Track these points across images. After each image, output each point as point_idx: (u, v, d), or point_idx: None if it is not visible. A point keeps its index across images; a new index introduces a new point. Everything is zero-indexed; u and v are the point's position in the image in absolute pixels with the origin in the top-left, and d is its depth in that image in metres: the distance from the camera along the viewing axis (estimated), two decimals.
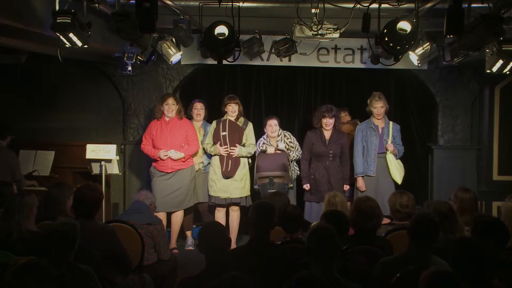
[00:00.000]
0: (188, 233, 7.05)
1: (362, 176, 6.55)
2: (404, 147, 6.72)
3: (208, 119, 7.03)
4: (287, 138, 6.79)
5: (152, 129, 6.62)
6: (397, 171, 6.53)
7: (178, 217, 6.66)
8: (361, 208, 4.17)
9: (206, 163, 6.86)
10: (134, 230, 4.61)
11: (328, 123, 6.54)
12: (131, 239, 4.53)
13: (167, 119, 6.59)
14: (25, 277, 2.78)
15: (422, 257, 3.43)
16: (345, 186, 6.64)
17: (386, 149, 6.53)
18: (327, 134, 6.60)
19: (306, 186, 6.60)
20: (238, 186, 6.62)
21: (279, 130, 6.78)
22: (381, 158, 6.53)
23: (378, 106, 6.56)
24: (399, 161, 6.62)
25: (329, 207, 4.61)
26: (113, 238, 4.17)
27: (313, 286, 2.75)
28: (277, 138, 6.78)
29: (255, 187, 6.75)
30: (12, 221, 3.93)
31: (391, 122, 6.69)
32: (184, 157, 6.54)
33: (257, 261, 3.48)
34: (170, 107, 6.55)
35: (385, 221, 4.80)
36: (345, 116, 7.28)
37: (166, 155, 6.46)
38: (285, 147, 6.70)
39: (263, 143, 6.79)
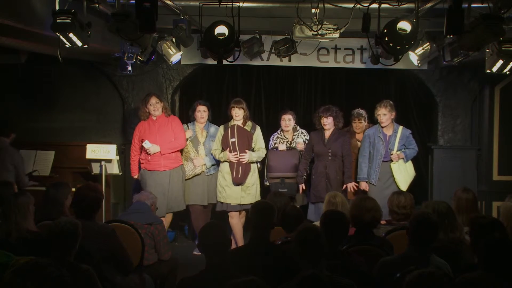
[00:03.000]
0: None
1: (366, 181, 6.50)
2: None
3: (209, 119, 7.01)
4: (304, 136, 6.86)
5: (141, 130, 6.56)
6: (401, 176, 6.41)
7: (167, 221, 6.54)
8: (358, 204, 4.22)
9: (209, 165, 6.78)
10: (134, 230, 4.62)
11: (325, 123, 6.52)
12: (131, 239, 4.53)
13: (154, 118, 6.55)
14: (25, 277, 2.78)
15: (422, 257, 3.43)
16: (347, 185, 6.46)
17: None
18: (327, 133, 6.59)
19: (302, 186, 6.56)
20: (250, 192, 6.55)
21: (295, 125, 6.85)
22: (386, 164, 6.46)
23: (381, 114, 6.48)
24: (408, 166, 6.53)
25: (329, 207, 4.61)
26: (113, 238, 4.17)
27: (316, 286, 2.75)
28: (294, 133, 6.82)
29: (265, 183, 6.75)
30: (10, 222, 3.94)
31: (400, 128, 6.56)
32: (160, 150, 6.43)
33: (257, 261, 3.48)
34: (155, 106, 6.49)
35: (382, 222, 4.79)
36: (360, 123, 6.90)
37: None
38: (304, 141, 6.74)
39: (277, 137, 6.83)
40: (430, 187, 7.55)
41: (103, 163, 6.47)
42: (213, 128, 6.86)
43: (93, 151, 6.47)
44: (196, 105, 6.89)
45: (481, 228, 3.68)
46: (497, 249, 3.07)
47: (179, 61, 6.85)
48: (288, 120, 6.78)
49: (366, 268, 3.58)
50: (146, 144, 6.38)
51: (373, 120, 6.86)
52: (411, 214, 4.27)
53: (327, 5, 4.97)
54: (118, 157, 6.59)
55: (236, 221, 6.60)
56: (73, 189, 4.86)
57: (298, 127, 6.92)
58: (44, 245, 3.41)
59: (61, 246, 3.35)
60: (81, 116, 7.70)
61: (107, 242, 4.11)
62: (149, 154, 6.41)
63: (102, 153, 6.47)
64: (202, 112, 6.80)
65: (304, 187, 6.60)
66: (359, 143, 6.83)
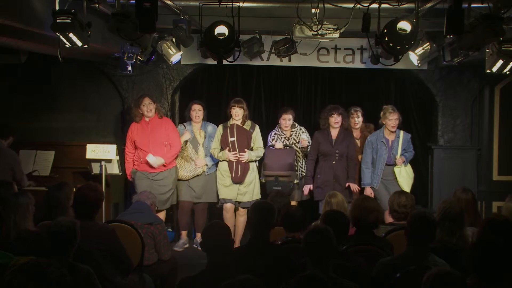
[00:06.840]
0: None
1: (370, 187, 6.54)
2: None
3: (208, 120, 7.00)
4: (303, 132, 6.86)
5: (133, 131, 6.58)
6: (404, 179, 6.51)
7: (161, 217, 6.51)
8: (360, 204, 4.22)
9: (210, 165, 6.80)
10: (134, 230, 4.62)
11: (336, 120, 6.50)
12: (131, 239, 4.53)
13: (147, 119, 6.56)
14: (25, 277, 2.78)
15: (421, 257, 3.42)
16: (350, 184, 6.46)
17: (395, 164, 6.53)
18: (334, 133, 6.57)
19: (307, 188, 6.55)
20: (247, 190, 6.61)
21: (293, 122, 6.84)
22: (388, 167, 6.53)
23: (393, 118, 6.51)
24: (408, 168, 6.61)
25: (326, 207, 4.65)
26: (113, 238, 4.17)
27: (316, 286, 2.75)
28: (292, 129, 6.81)
29: (261, 180, 6.77)
30: (9, 221, 3.93)
31: (401, 133, 6.64)
32: (165, 163, 6.50)
33: (257, 261, 3.48)
34: (148, 107, 6.52)
35: None
36: (358, 118, 6.88)
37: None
38: (306, 138, 6.73)
39: (275, 134, 6.84)
40: (430, 187, 7.55)
41: (103, 163, 6.47)
42: (210, 126, 6.88)
43: (93, 151, 6.47)
44: (191, 104, 6.90)
45: (496, 228, 3.65)
46: (482, 250, 3.03)
47: (179, 61, 6.85)
48: (288, 120, 6.77)
49: (366, 268, 3.58)
50: (150, 158, 6.42)
51: (366, 119, 6.89)
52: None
53: (327, 5, 4.96)
54: (118, 157, 6.58)
55: (230, 215, 6.63)
56: (73, 189, 4.85)
57: (296, 124, 6.92)
58: (44, 245, 3.41)
59: (59, 245, 3.35)
60: (81, 116, 7.69)
61: (107, 242, 4.11)
62: (154, 167, 6.45)
63: (102, 153, 6.47)
64: (197, 111, 6.80)
65: (311, 188, 6.56)
66: (357, 142, 6.84)
